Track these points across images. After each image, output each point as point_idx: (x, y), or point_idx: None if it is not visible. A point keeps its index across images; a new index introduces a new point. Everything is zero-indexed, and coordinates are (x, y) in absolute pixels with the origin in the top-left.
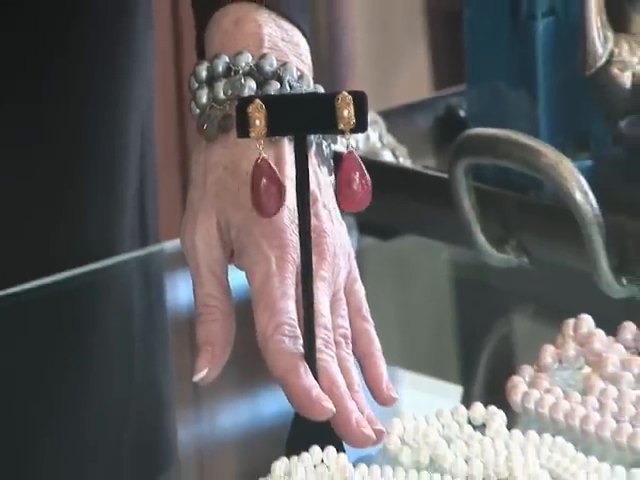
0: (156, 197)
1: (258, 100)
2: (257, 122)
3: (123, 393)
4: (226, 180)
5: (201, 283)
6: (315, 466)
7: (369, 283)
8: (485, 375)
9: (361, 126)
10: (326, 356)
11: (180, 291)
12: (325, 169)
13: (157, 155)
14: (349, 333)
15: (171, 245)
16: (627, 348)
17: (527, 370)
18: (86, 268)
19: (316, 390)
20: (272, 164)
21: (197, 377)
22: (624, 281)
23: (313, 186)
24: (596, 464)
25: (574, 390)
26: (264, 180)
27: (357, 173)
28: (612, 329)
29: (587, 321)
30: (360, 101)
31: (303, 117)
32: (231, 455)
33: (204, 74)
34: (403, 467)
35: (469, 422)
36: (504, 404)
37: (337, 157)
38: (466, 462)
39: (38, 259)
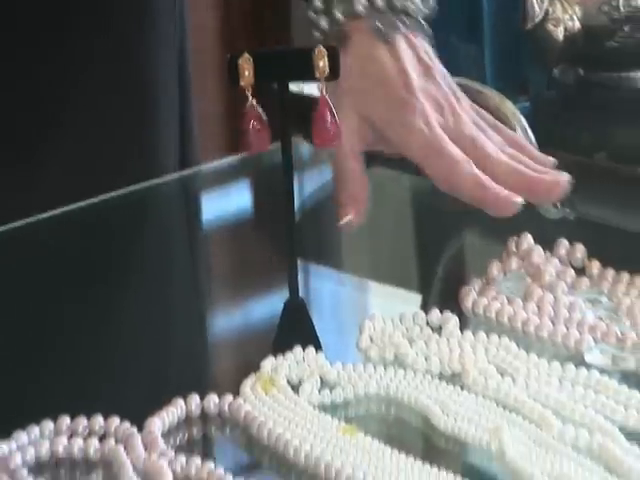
0: (194, 125)
1: (247, 54)
2: (246, 72)
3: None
4: (359, 83)
5: (347, 160)
6: (297, 363)
7: None
8: (441, 285)
9: (334, 74)
10: None
11: (218, 208)
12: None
13: (193, 85)
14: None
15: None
16: (561, 261)
17: (477, 281)
18: (135, 187)
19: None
20: (259, 109)
21: (344, 221)
22: (558, 205)
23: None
24: (535, 360)
25: (516, 297)
26: (253, 122)
27: (329, 114)
28: (549, 246)
29: (527, 239)
30: (333, 53)
31: (285, 68)
32: (227, 355)
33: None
34: (372, 363)
35: (428, 325)
36: (457, 310)
37: (312, 101)
38: (425, 359)
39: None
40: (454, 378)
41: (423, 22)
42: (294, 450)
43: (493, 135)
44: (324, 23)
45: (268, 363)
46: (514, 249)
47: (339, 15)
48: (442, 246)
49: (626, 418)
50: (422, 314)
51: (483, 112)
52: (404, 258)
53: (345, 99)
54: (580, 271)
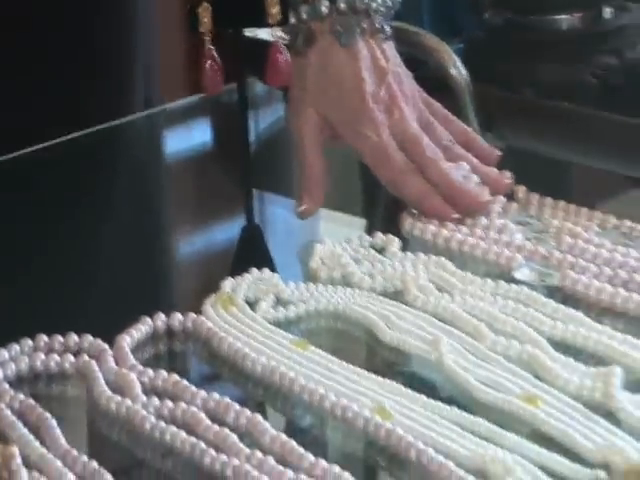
0: (157, 67)
1: (205, 3)
2: (205, 20)
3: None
4: (319, 82)
5: (305, 154)
6: (254, 283)
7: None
8: (384, 211)
9: (285, 20)
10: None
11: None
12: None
13: (159, 28)
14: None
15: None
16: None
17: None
18: (103, 126)
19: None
20: (215, 53)
21: (299, 210)
22: (489, 136)
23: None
24: (470, 277)
25: (450, 221)
26: (210, 65)
27: (281, 57)
28: None
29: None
30: (284, 1)
31: (241, 15)
32: (190, 276)
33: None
34: (321, 283)
35: (372, 247)
36: (399, 233)
37: (265, 44)
38: (370, 278)
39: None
40: (397, 295)
41: (384, 21)
42: (251, 362)
43: (442, 131)
44: (304, 13)
45: (227, 283)
46: None
47: (304, 15)
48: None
49: (553, 329)
50: (367, 237)
51: (436, 106)
52: (350, 186)
53: (307, 95)
54: (509, 196)
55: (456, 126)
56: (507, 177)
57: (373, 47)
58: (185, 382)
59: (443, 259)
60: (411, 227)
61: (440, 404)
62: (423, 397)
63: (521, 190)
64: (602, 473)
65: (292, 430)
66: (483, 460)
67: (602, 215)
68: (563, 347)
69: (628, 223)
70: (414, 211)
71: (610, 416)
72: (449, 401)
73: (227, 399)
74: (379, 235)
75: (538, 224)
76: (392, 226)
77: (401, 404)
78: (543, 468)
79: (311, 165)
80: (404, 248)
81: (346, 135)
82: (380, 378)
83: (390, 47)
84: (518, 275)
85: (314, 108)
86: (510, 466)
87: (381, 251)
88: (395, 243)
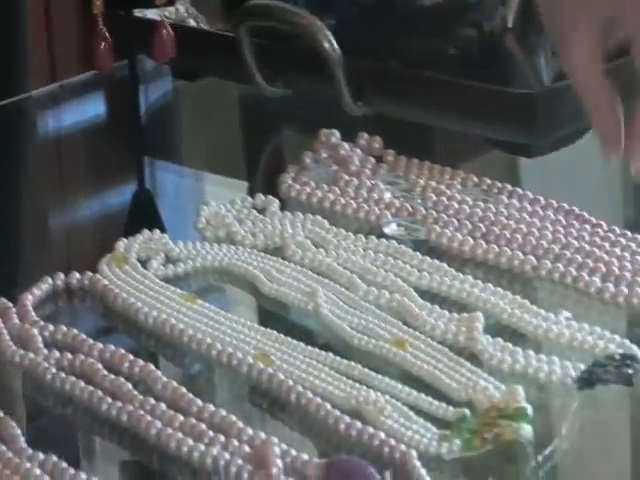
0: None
1: None
2: (97, 2)
3: None
4: None
5: (586, 94)
6: (145, 243)
7: (184, 117)
8: (264, 174)
9: (171, 1)
10: None
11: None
12: None
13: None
14: None
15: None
16: (362, 151)
17: (293, 169)
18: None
19: None
20: (106, 33)
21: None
22: (359, 104)
23: None
24: (343, 233)
25: (325, 183)
26: (102, 45)
27: (167, 34)
28: (352, 138)
29: (334, 133)
30: None
31: None
32: (86, 238)
33: None
34: (207, 241)
35: (253, 207)
36: (278, 194)
37: (153, 23)
38: (252, 236)
39: None
40: (276, 251)
41: None
42: (144, 315)
43: None
44: None
45: (121, 244)
46: (323, 141)
47: None
48: (264, 141)
49: (419, 279)
50: (249, 199)
51: None
52: (233, 153)
53: (570, 13)
54: (378, 159)
55: None
56: None
57: None
58: (83, 336)
59: (319, 217)
60: (288, 189)
61: (317, 350)
62: (302, 344)
63: (390, 153)
64: (466, 410)
65: (182, 377)
66: (357, 401)
67: (464, 174)
68: (429, 296)
69: (488, 181)
70: (291, 174)
71: (473, 358)
72: (325, 347)
73: (122, 350)
74: (260, 196)
75: (405, 183)
76: (272, 188)
77: (282, 351)
78: (413, 407)
79: (598, 106)
80: (283, 208)
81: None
82: (262, 327)
83: None
84: (387, 230)
85: (584, 24)
86: (382, 406)
87: (262, 211)
88: (275, 204)
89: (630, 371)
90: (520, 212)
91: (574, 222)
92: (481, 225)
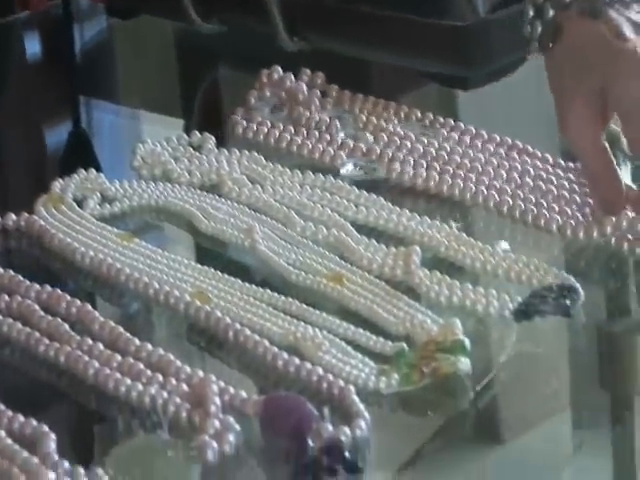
0: None
1: None
2: None
3: None
4: (576, 61)
5: (588, 153)
6: (81, 182)
7: (119, 56)
8: (200, 112)
9: None
10: None
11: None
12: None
13: None
14: None
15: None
16: (307, 87)
17: (239, 110)
18: None
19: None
20: None
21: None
22: (295, 40)
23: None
24: (280, 169)
25: (274, 119)
26: None
27: None
28: (294, 75)
29: (277, 70)
30: None
31: None
32: (22, 179)
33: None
34: (144, 180)
35: (190, 145)
36: (214, 132)
37: None
38: (188, 174)
39: None
40: (213, 188)
41: None
42: (81, 255)
43: None
44: (539, 28)
45: (57, 184)
46: (265, 80)
47: (550, 12)
48: (200, 79)
49: (356, 214)
50: (185, 136)
51: None
52: (169, 90)
53: (570, 82)
54: (324, 94)
55: None
56: None
57: (622, 12)
58: (20, 277)
59: (255, 154)
60: (235, 127)
61: (254, 287)
62: (239, 281)
63: (333, 88)
64: (404, 345)
65: (120, 317)
66: (295, 337)
67: (407, 109)
68: (366, 230)
69: (430, 116)
70: (238, 113)
71: (410, 292)
72: (263, 284)
73: (59, 291)
74: (196, 134)
75: (351, 118)
76: (209, 127)
77: (219, 289)
78: (351, 342)
79: (603, 169)
80: (219, 145)
81: (615, 89)
82: (199, 265)
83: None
84: (344, 171)
85: (581, 95)
86: (320, 342)
87: (198, 149)
88: (211, 141)
89: (568, 302)
90: (461, 145)
91: (515, 155)
92: (422, 160)
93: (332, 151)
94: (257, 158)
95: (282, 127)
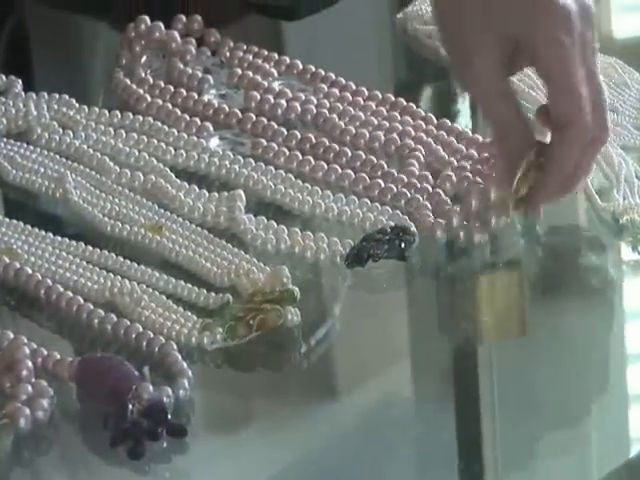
0: None
1: None
2: None
3: None
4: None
5: (491, 107)
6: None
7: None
8: (4, 53)
9: None
10: None
11: None
12: None
13: None
14: None
15: None
16: (180, 35)
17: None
18: None
19: None
20: None
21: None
22: None
23: None
24: (96, 112)
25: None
26: None
27: None
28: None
29: (145, 19)
30: None
31: None
32: None
33: None
34: None
35: None
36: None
37: None
38: None
39: None
40: (20, 136)
41: None
42: None
43: None
44: None
45: None
46: (132, 35)
47: None
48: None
49: (175, 158)
50: None
51: None
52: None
53: (477, 18)
54: (200, 41)
55: None
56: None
57: None
58: None
59: (65, 96)
60: (125, 89)
61: (67, 240)
62: (50, 235)
63: (213, 34)
64: (229, 296)
65: None
66: (112, 293)
67: (288, 60)
68: (187, 175)
69: (312, 69)
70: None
71: (235, 240)
72: (76, 237)
73: None
74: (1, 77)
75: (226, 74)
76: (13, 68)
77: (28, 243)
78: (172, 296)
79: (504, 115)
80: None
81: (536, 41)
82: (7, 219)
83: None
84: (210, 145)
85: (490, 30)
86: (138, 297)
87: (3, 93)
88: (18, 85)
89: (402, 244)
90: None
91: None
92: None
93: (199, 122)
94: (68, 101)
95: (159, 86)
